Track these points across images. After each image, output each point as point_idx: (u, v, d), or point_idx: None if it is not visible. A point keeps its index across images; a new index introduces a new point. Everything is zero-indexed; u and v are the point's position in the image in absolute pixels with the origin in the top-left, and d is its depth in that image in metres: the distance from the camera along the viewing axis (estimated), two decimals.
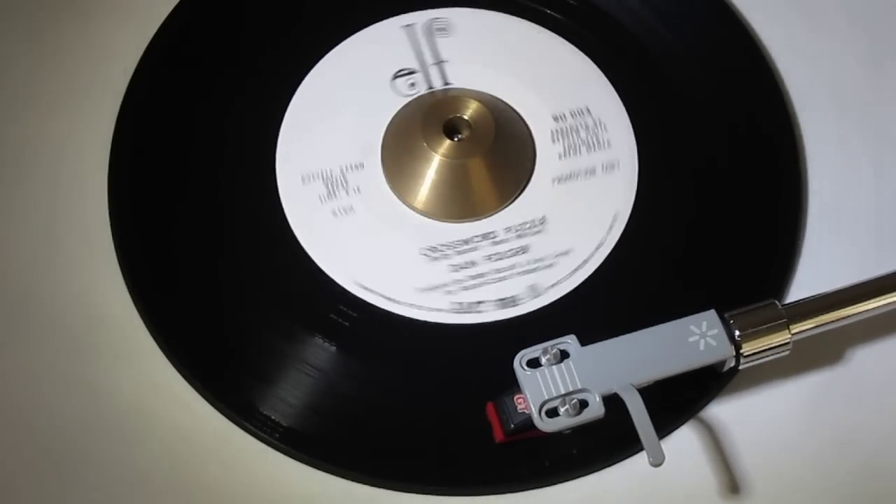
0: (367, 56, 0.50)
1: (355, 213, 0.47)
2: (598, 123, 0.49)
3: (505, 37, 0.51)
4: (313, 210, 0.47)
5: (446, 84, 0.49)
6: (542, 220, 0.47)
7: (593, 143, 0.49)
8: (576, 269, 0.46)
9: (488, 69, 0.50)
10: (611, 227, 0.47)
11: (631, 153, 0.48)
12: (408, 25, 0.51)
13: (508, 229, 0.47)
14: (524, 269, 0.46)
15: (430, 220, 0.47)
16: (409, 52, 0.50)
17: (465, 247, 0.46)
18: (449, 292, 0.45)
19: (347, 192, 0.47)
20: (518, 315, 0.45)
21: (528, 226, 0.47)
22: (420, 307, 0.45)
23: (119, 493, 0.42)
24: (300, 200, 0.47)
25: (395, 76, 0.50)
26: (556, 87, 0.50)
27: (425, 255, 0.46)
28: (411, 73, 0.50)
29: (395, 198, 0.47)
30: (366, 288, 0.45)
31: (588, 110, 0.49)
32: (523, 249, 0.46)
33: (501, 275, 0.46)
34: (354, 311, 0.45)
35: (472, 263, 0.46)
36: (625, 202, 0.47)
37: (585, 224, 0.47)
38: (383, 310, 0.45)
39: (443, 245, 0.46)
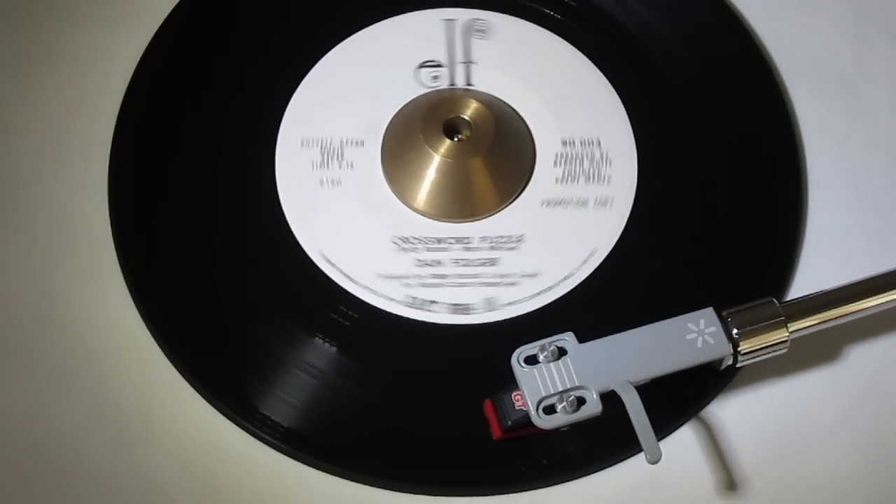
0: (399, 41, 0.50)
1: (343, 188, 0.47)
2: (604, 157, 0.48)
3: (538, 51, 0.51)
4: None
5: (468, 85, 0.49)
6: (520, 238, 0.47)
7: (594, 175, 0.48)
8: (538, 294, 0.45)
9: (513, 79, 0.50)
10: (584, 261, 0.46)
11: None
12: (449, 20, 0.51)
13: (484, 238, 0.46)
14: (487, 280, 0.46)
15: (429, 218, 0.47)
16: (441, 46, 0.50)
17: (437, 245, 0.46)
18: (406, 285, 0.45)
19: (340, 167, 0.48)
20: (469, 324, 0.45)
21: (503, 240, 0.46)
22: (375, 292, 0.45)
23: (119, 493, 0.42)
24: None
25: (422, 65, 0.50)
26: (573, 111, 0.49)
27: (395, 243, 0.46)
28: (438, 66, 0.50)
29: (383, 182, 0.47)
30: (329, 262, 0.45)
31: (598, 141, 0.49)
32: (492, 261, 0.46)
33: (463, 280, 0.46)
34: (355, 311, 0.45)
35: (438, 263, 0.46)
36: (610, 231, 0.47)
37: (561, 251, 0.46)
38: (342, 288, 0.45)
39: (415, 238, 0.46)
